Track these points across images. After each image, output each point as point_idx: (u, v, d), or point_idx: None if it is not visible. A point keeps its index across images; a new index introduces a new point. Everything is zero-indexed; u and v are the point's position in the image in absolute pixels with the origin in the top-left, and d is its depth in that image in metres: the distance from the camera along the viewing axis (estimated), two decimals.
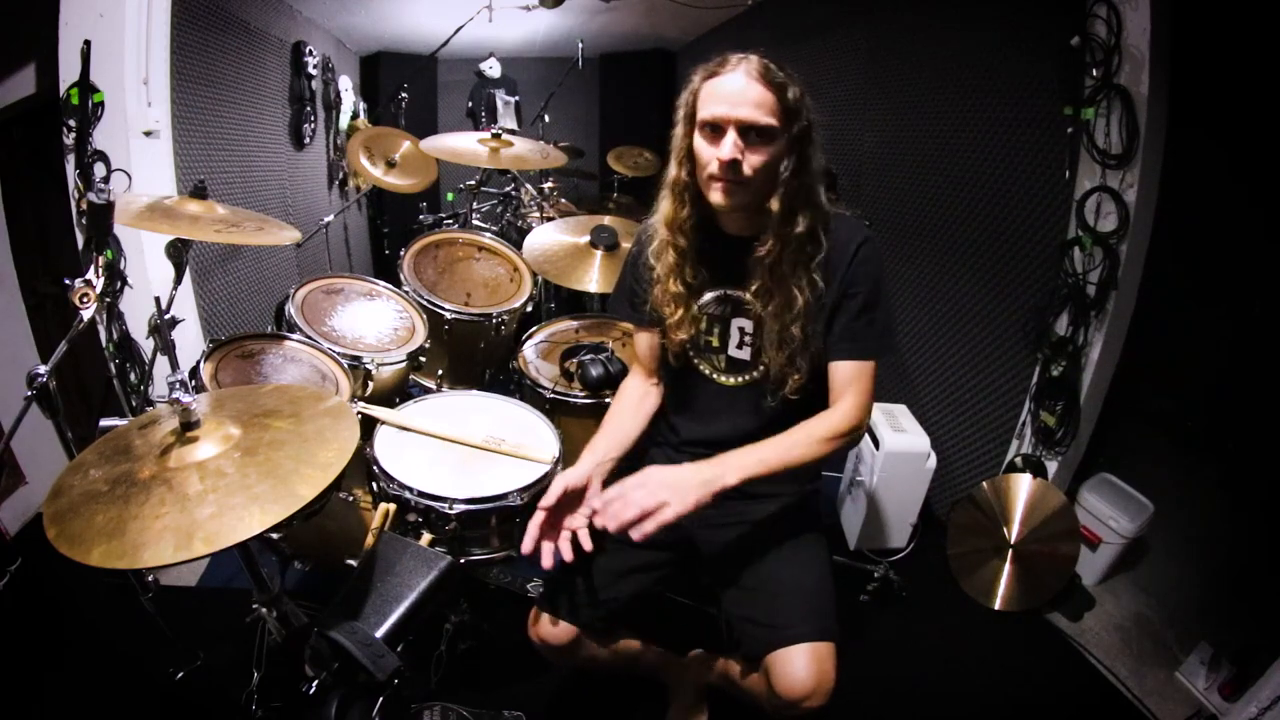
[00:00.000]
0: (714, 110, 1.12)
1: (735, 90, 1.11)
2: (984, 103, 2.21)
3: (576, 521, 1.20)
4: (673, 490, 1.09)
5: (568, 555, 1.16)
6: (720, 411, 1.34)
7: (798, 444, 1.19)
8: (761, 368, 1.29)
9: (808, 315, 1.20)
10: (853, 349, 1.24)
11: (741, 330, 1.30)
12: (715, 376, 1.33)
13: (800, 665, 1.18)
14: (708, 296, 1.30)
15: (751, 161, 1.12)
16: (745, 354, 1.31)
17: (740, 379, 1.32)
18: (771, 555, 1.31)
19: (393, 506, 1.32)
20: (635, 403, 1.43)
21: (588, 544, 1.18)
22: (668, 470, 1.14)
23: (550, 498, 1.19)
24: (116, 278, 1.95)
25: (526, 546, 1.17)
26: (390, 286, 2.19)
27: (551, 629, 1.32)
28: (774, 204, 1.17)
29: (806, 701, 1.18)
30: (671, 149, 1.24)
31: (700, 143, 1.16)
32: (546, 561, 1.16)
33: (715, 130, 1.13)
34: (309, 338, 1.84)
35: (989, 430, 2.32)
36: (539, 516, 1.19)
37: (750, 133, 1.11)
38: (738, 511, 1.35)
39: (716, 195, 1.16)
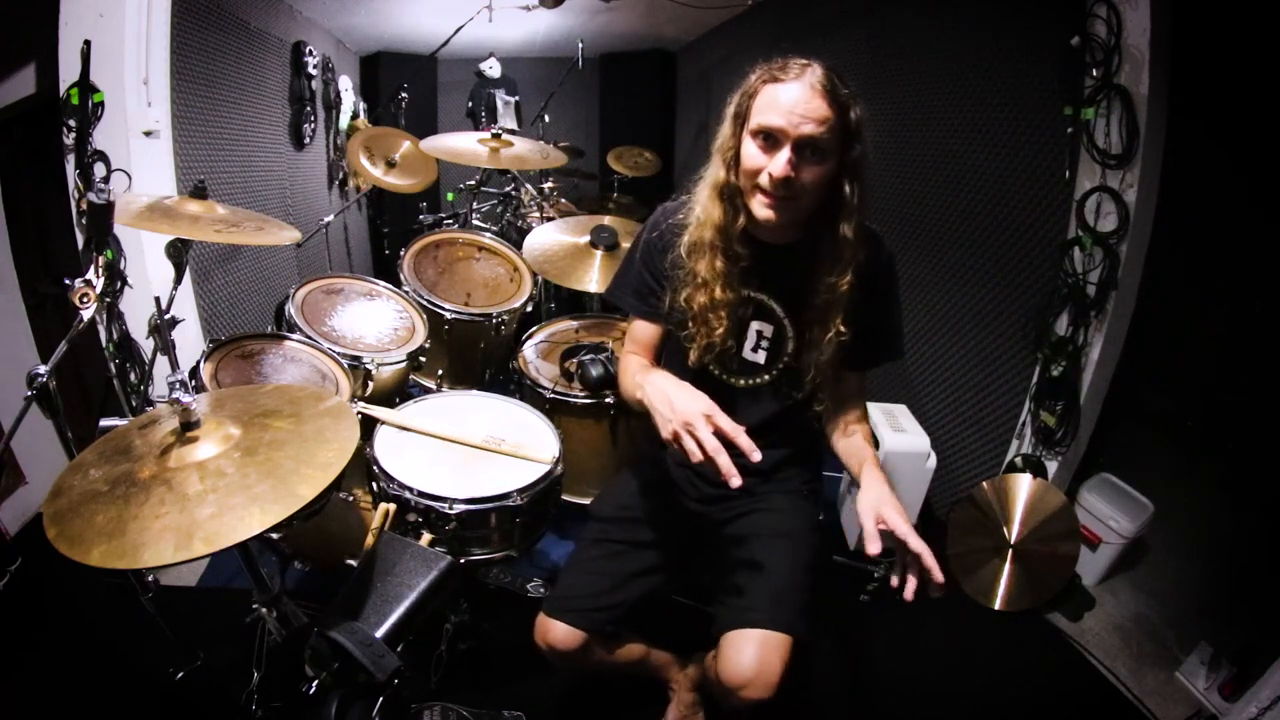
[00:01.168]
0: (772, 120, 1.07)
1: (798, 102, 1.05)
2: (984, 102, 2.21)
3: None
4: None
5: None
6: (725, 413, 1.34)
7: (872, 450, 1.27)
8: (775, 371, 1.29)
9: (840, 325, 1.20)
10: (868, 359, 1.31)
11: (759, 334, 1.29)
12: (724, 377, 1.31)
13: (747, 651, 1.15)
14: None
15: (804, 178, 1.09)
16: (760, 357, 1.30)
17: (749, 381, 1.31)
18: (759, 542, 1.31)
19: (393, 506, 1.31)
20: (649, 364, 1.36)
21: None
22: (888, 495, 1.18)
23: (728, 429, 1.03)
24: (116, 278, 1.95)
25: (731, 470, 0.99)
26: (390, 286, 2.19)
27: (560, 635, 1.31)
28: (839, 228, 1.15)
29: (744, 690, 1.14)
30: (715, 148, 1.19)
31: (751, 149, 1.11)
32: (736, 482, 0.99)
33: (769, 140, 1.09)
34: (309, 338, 1.84)
35: (989, 430, 2.32)
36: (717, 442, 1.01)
37: (806, 149, 1.07)
38: (742, 502, 1.36)
39: (762, 209, 1.13)
